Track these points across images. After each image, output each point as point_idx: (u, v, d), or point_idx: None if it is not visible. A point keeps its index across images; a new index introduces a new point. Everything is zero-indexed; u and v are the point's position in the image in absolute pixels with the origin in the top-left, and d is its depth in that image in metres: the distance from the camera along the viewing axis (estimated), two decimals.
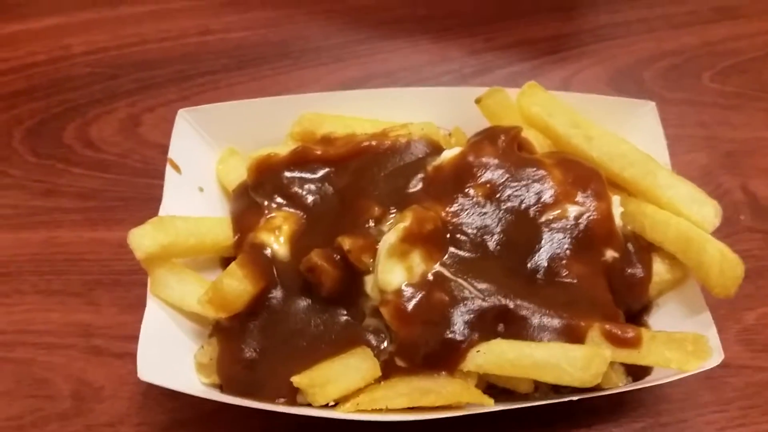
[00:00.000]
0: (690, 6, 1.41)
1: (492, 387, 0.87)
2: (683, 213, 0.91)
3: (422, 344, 0.84)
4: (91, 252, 1.10)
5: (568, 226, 0.90)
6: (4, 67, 1.34)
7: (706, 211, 0.92)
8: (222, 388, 0.90)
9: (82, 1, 1.44)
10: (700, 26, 1.37)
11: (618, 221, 0.92)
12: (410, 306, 0.84)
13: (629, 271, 0.92)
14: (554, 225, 0.90)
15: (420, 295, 0.85)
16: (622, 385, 0.87)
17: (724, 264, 0.86)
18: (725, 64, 1.32)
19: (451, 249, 0.88)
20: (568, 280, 0.88)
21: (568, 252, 0.89)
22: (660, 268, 0.93)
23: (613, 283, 0.91)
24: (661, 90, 1.28)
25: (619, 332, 0.84)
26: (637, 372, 0.88)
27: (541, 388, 0.88)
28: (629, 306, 0.93)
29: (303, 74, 1.32)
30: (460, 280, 0.86)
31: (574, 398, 0.83)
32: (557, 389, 0.87)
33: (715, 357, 0.83)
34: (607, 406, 0.93)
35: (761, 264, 1.06)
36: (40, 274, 1.08)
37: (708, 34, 1.36)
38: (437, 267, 0.87)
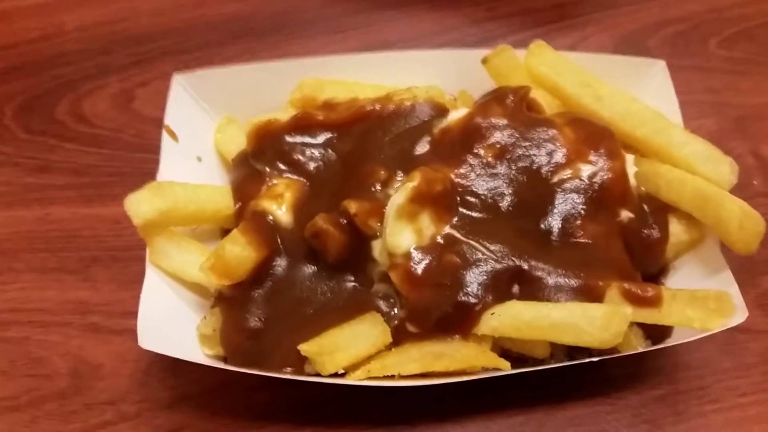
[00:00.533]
0: None
1: (506, 354, 0.84)
2: (699, 171, 0.89)
3: (434, 308, 0.82)
4: (86, 228, 1.07)
5: (582, 186, 0.88)
6: None
7: (722, 168, 0.89)
8: (226, 359, 0.87)
9: None
10: None
11: (632, 181, 0.90)
12: (420, 269, 0.82)
13: (645, 232, 0.90)
14: (567, 185, 0.88)
15: (430, 258, 0.83)
16: (641, 348, 0.84)
17: (744, 219, 0.83)
18: (732, 31, 1.29)
19: (462, 210, 0.86)
20: (583, 241, 0.86)
21: (582, 212, 0.87)
22: (677, 229, 0.91)
23: (629, 244, 0.89)
24: (667, 57, 1.23)
25: (639, 291, 0.81)
26: (656, 335, 0.86)
27: (556, 354, 0.85)
28: (646, 268, 0.90)
29: (299, 46, 1.29)
30: (471, 242, 0.84)
31: (594, 359, 0.81)
32: (572, 356, 0.85)
33: (739, 314, 0.81)
34: (625, 374, 0.91)
35: None
36: (35, 252, 1.05)
37: (714, 0, 1.34)
38: (447, 229, 0.85)
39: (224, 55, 1.28)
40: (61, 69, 1.27)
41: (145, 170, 1.06)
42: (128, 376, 0.93)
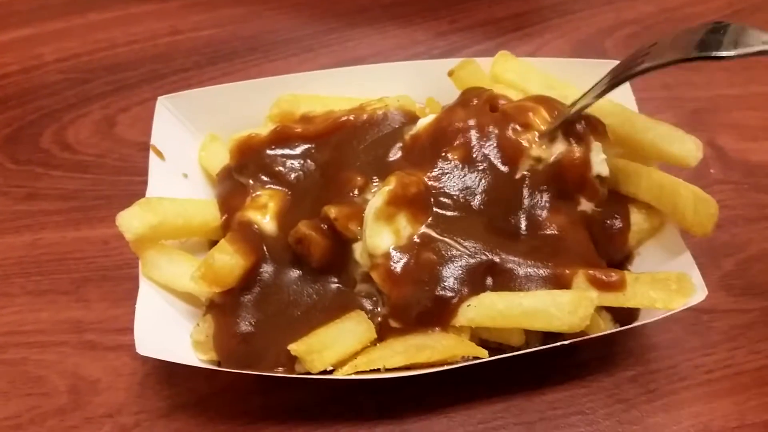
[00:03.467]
0: None
1: (485, 345, 0.87)
2: (666, 151, 0.93)
3: (414, 303, 0.86)
4: (76, 251, 1.10)
5: (545, 174, 0.92)
6: None
7: (688, 145, 0.93)
8: (220, 363, 0.90)
9: (51, 11, 1.45)
10: None
11: (603, 169, 0.92)
12: (400, 267, 0.86)
13: (608, 222, 0.94)
14: (531, 177, 0.92)
15: (408, 256, 0.87)
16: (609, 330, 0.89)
17: (698, 204, 0.88)
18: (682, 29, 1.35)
19: (436, 210, 0.90)
20: (550, 232, 0.90)
21: (547, 204, 0.91)
22: (637, 218, 0.95)
23: (593, 234, 0.93)
24: (623, 57, 1.31)
25: (604, 276, 0.86)
26: (623, 318, 0.90)
27: (531, 342, 0.89)
28: (611, 257, 0.95)
29: (274, 66, 1.33)
30: (446, 239, 0.88)
31: (566, 342, 0.85)
32: (547, 343, 0.88)
33: (699, 293, 0.85)
34: (598, 357, 0.95)
35: (734, 213, 1.09)
36: (28, 276, 1.08)
37: (665, 1, 1.40)
38: (423, 228, 0.89)
39: (200, 78, 1.32)
40: (44, 100, 1.30)
41: (130, 192, 1.10)
42: (125, 389, 0.96)
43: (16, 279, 1.08)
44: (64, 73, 1.35)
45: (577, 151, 0.91)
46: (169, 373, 0.95)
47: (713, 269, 1.03)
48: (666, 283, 0.86)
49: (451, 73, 1.04)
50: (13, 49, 1.39)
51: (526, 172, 0.92)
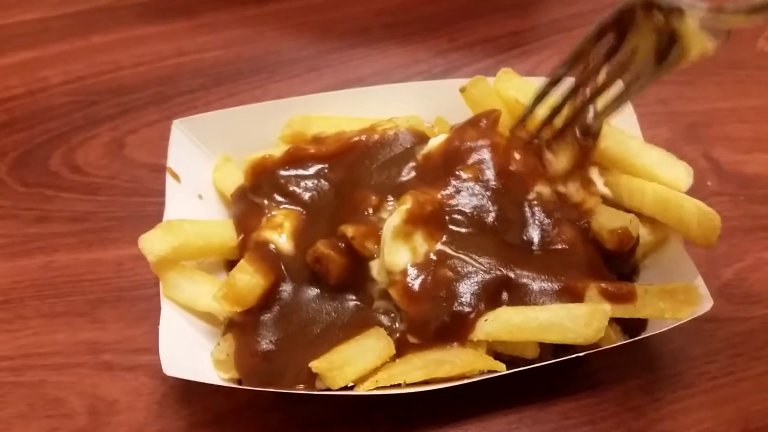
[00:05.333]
0: None
1: (499, 358, 0.89)
2: (657, 176, 0.97)
3: (432, 319, 0.88)
4: (90, 272, 1.11)
5: (554, 198, 0.95)
6: None
7: (679, 172, 0.97)
8: (241, 382, 0.92)
9: (54, 34, 1.46)
10: None
11: (602, 188, 0.97)
12: (417, 284, 0.88)
13: None
14: (541, 198, 0.95)
15: (426, 273, 0.89)
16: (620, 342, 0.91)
17: (701, 217, 0.92)
18: None
19: (451, 228, 0.92)
20: (561, 247, 0.93)
21: (557, 221, 0.94)
22: (642, 231, 0.97)
23: (602, 249, 0.96)
24: None
25: (615, 289, 0.89)
26: (632, 330, 0.93)
27: (545, 356, 0.91)
28: (619, 270, 0.98)
29: (279, 86, 1.35)
30: (462, 256, 0.90)
31: (581, 354, 0.87)
32: (558, 356, 0.90)
33: (705, 303, 0.88)
34: (606, 368, 0.97)
35: (731, 224, 1.12)
36: (42, 299, 1.09)
37: None
38: (439, 246, 0.91)
39: (207, 99, 1.34)
40: (51, 122, 1.31)
41: (141, 213, 1.11)
42: (144, 409, 0.96)
43: (30, 302, 1.08)
44: (70, 95, 1.36)
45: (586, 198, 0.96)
46: (187, 392, 0.96)
47: (713, 279, 1.05)
48: (674, 294, 0.89)
49: (462, 90, 1.07)
50: (18, 72, 1.40)
51: (536, 193, 0.95)
